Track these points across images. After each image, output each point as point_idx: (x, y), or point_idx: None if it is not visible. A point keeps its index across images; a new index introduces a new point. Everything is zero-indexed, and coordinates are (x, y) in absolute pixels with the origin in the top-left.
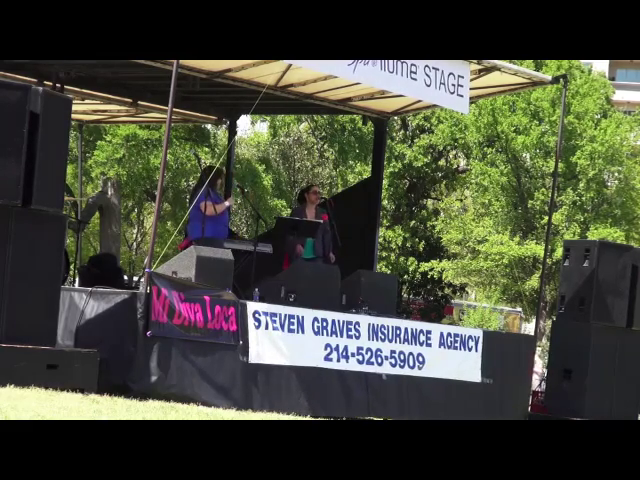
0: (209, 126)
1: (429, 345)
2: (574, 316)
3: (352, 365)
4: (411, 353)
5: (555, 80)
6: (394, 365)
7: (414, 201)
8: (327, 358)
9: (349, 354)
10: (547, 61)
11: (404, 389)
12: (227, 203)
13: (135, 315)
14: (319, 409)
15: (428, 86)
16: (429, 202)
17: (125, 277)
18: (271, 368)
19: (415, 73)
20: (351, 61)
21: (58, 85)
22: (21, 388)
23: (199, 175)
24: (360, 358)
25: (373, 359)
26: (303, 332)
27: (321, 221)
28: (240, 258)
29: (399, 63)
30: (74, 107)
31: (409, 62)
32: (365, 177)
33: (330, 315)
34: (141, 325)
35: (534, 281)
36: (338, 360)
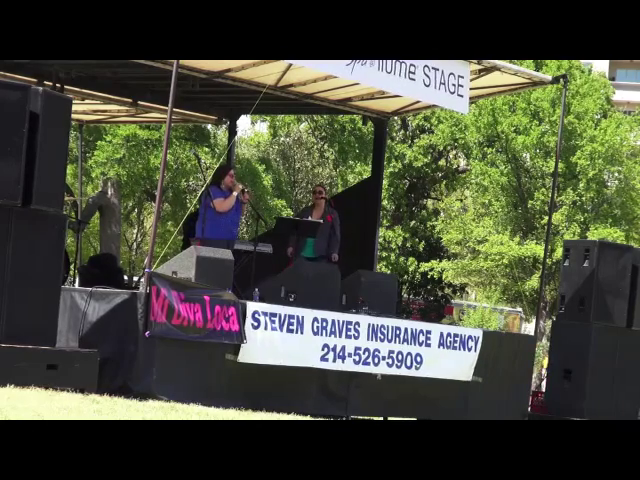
0: (209, 126)
1: (428, 345)
2: (574, 316)
3: (347, 365)
4: (409, 353)
5: (555, 80)
6: (390, 365)
7: (414, 201)
8: (323, 358)
9: (346, 354)
10: (547, 61)
11: (398, 389)
12: (234, 193)
13: (135, 315)
14: (297, 409)
15: (427, 86)
16: (429, 202)
17: (125, 277)
18: (265, 368)
19: (414, 73)
20: (349, 61)
21: (58, 85)
22: (21, 388)
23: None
24: (357, 358)
25: (370, 359)
26: (302, 332)
27: (321, 221)
28: (240, 258)
29: (398, 63)
30: (74, 107)
31: (408, 62)
32: (365, 177)
33: (330, 315)
34: (141, 325)
35: (534, 281)
36: (334, 360)
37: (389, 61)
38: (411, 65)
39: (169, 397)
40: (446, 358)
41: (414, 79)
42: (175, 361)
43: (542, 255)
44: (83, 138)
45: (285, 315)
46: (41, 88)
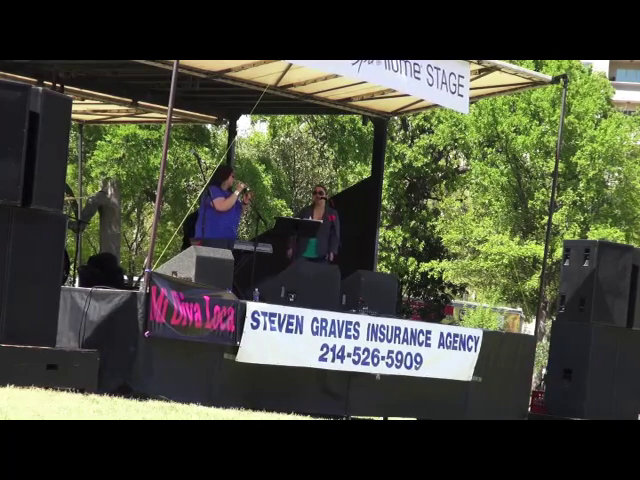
0: (209, 126)
1: (428, 345)
2: (574, 316)
3: (346, 365)
4: (409, 353)
5: (555, 80)
6: (390, 365)
7: (414, 201)
8: (322, 358)
9: (345, 354)
10: (547, 61)
11: (398, 389)
12: (236, 192)
13: (135, 315)
14: (297, 409)
15: (431, 85)
16: (429, 202)
17: (125, 277)
18: (265, 368)
19: (419, 72)
20: (355, 60)
21: (58, 85)
22: (21, 388)
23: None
24: (356, 358)
25: (369, 359)
26: (301, 332)
27: (321, 221)
28: (240, 258)
29: (402, 62)
30: (74, 107)
31: (412, 61)
32: (365, 177)
33: (330, 315)
34: (141, 325)
35: (534, 281)
36: (333, 360)
37: (394, 60)
38: (415, 64)
39: (169, 397)
40: (446, 358)
41: (419, 78)
42: (175, 361)
43: (542, 255)
44: (83, 138)
45: (285, 315)
46: (41, 88)
